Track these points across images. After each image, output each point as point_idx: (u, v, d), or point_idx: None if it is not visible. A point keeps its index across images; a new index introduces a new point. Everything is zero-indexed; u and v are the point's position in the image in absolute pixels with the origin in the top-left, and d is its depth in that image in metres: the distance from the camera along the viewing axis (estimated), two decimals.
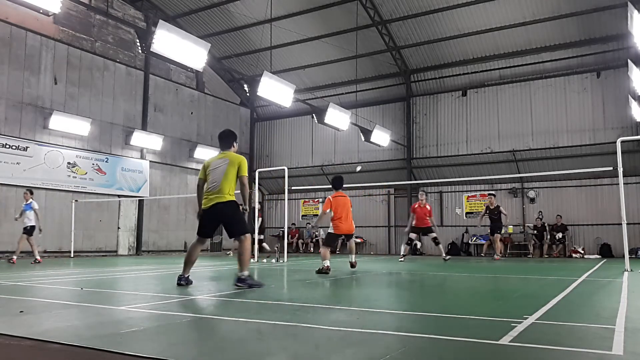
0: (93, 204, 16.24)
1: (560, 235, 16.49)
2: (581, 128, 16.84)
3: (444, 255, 13.00)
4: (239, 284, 5.56)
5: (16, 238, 14.27)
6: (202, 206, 5.74)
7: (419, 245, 18.70)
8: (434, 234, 12.87)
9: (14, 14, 14.48)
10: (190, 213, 19.72)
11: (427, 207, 12.95)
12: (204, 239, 5.86)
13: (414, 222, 12.78)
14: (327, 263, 7.99)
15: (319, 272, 7.90)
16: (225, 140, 5.99)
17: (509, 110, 18.06)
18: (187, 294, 5.26)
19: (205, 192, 5.76)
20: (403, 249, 13.18)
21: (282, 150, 22.84)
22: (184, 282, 5.80)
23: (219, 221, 5.77)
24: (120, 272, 8.99)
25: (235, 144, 6.05)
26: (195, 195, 5.98)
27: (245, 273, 5.62)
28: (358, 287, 6.05)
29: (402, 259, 12.76)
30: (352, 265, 8.72)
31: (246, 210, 5.80)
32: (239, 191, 5.78)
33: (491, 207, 13.93)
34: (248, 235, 5.71)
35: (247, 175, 5.72)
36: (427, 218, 12.73)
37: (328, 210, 8.30)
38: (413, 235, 13.09)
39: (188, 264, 5.84)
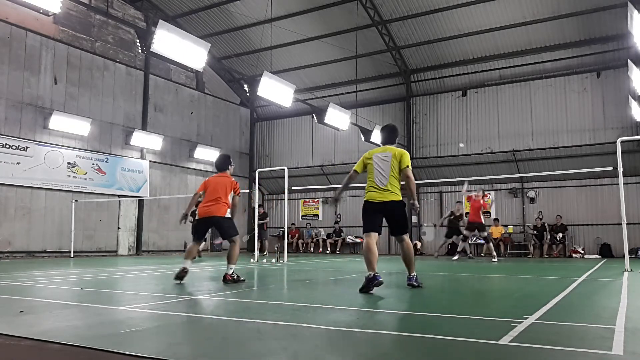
0: (93, 204, 16.24)
1: (560, 235, 16.50)
2: (581, 128, 16.84)
3: (494, 257, 12.91)
4: (413, 284, 5.63)
5: (16, 238, 14.32)
6: (370, 199, 5.52)
7: (422, 240, 18.70)
8: (485, 233, 13.02)
9: (14, 14, 14.48)
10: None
11: (481, 201, 12.79)
12: (376, 233, 5.49)
13: (467, 218, 13.06)
14: (186, 264, 6.43)
15: (176, 277, 6.37)
16: (389, 135, 5.94)
17: (509, 110, 18.06)
18: (187, 294, 5.26)
19: (370, 187, 5.58)
20: (460, 247, 13.40)
21: (282, 150, 22.83)
22: (379, 280, 5.16)
23: (385, 216, 5.57)
24: (120, 272, 8.99)
25: (397, 140, 6.06)
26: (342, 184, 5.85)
27: (414, 273, 5.69)
28: (358, 287, 6.04)
29: (456, 257, 13.18)
30: (225, 279, 6.31)
31: (417, 206, 5.64)
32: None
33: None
34: (406, 236, 5.66)
35: (410, 167, 5.67)
36: (481, 213, 12.70)
37: (201, 192, 6.77)
38: (467, 232, 13.14)
39: (373, 262, 5.26)
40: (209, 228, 6.76)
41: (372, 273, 5.18)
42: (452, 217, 14.68)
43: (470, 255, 14.00)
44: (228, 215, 6.68)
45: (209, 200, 6.61)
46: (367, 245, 5.41)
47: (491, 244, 13.25)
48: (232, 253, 6.51)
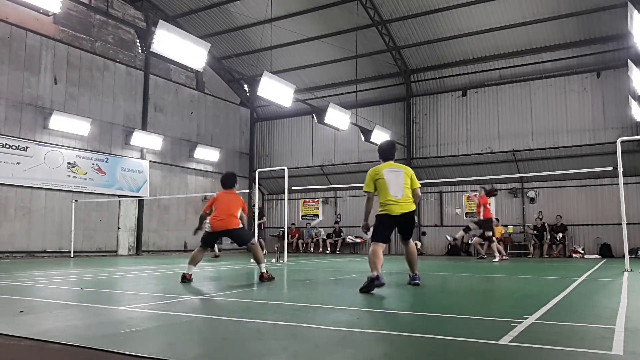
0: (93, 204, 16.24)
1: (560, 235, 16.50)
2: (581, 128, 16.84)
3: (496, 257, 12.63)
4: (417, 282, 6.00)
5: (16, 238, 14.31)
6: (392, 213, 5.62)
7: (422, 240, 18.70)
8: (489, 232, 12.78)
9: (14, 14, 14.48)
10: (191, 213, 19.71)
11: (476, 199, 13.00)
12: (385, 245, 5.68)
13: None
14: (190, 270, 6.59)
15: (182, 280, 6.51)
16: (392, 151, 6.07)
17: (509, 110, 18.07)
18: (187, 294, 5.26)
19: (388, 200, 5.65)
20: (459, 234, 13.50)
21: (282, 150, 22.84)
22: (382, 281, 5.27)
23: (399, 226, 5.79)
24: (120, 272, 8.99)
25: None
26: (365, 208, 5.86)
27: (417, 273, 6.04)
28: (358, 287, 6.05)
29: (451, 240, 13.20)
30: (262, 278, 6.68)
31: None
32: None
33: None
34: (411, 239, 6.00)
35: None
36: (482, 210, 12.74)
37: (210, 209, 6.99)
38: (472, 225, 13.33)
39: (378, 265, 5.37)
40: (219, 238, 7.09)
41: (376, 273, 5.23)
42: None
43: (483, 255, 13.78)
44: (240, 225, 6.96)
45: (223, 215, 6.81)
46: (375, 251, 5.49)
47: (494, 244, 12.91)
48: (257, 255, 6.86)
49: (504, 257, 13.39)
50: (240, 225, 6.91)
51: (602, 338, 2.89)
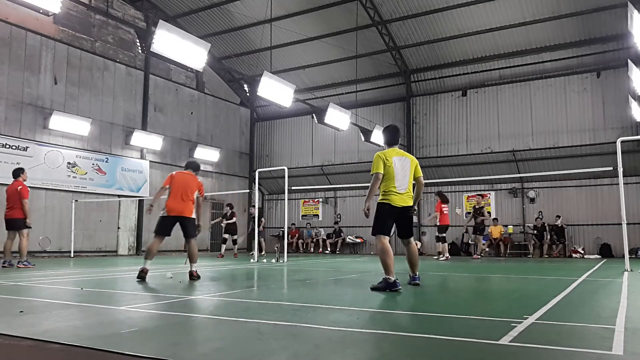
0: (93, 204, 16.23)
1: (559, 222, 16.52)
2: (581, 128, 16.85)
3: (442, 257, 13.71)
4: (417, 283, 5.93)
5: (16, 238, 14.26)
6: (393, 203, 5.59)
7: (422, 240, 18.70)
8: (439, 234, 13.93)
9: (14, 14, 14.47)
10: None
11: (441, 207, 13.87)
12: (388, 236, 5.66)
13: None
14: (146, 264, 6.75)
15: (139, 277, 6.65)
16: (397, 134, 6.15)
17: (509, 110, 18.07)
18: (187, 294, 5.26)
19: (390, 191, 5.60)
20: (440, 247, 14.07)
21: (282, 150, 22.84)
22: (399, 287, 5.31)
23: (397, 219, 5.73)
24: (120, 272, 8.99)
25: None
26: (370, 190, 5.64)
27: (418, 273, 6.00)
28: (358, 287, 6.05)
29: (438, 258, 13.87)
30: (192, 276, 6.79)
31: (415, 210, 5.96)
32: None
33: (477, 207, 14.54)
34: (412, 238, 5.98)
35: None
36: (439, 214, 13.83)
37: (167, 186, 6.94)
38: (440, 235, 14.03)
39: (392, 266, 5.36)
40: (174, 225, 7.00)
41: (393, 278, 5.30)
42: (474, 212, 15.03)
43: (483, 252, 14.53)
44: (193, 215, 7.05)
45: (180, 199, 6.87)
46: (386, 248, 5.49)
47: (446, 244, 14.11)
48: (193, 252, 6.95)
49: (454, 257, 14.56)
50: (194, 215, 7.03)
51: (602, 338, 2.89)
